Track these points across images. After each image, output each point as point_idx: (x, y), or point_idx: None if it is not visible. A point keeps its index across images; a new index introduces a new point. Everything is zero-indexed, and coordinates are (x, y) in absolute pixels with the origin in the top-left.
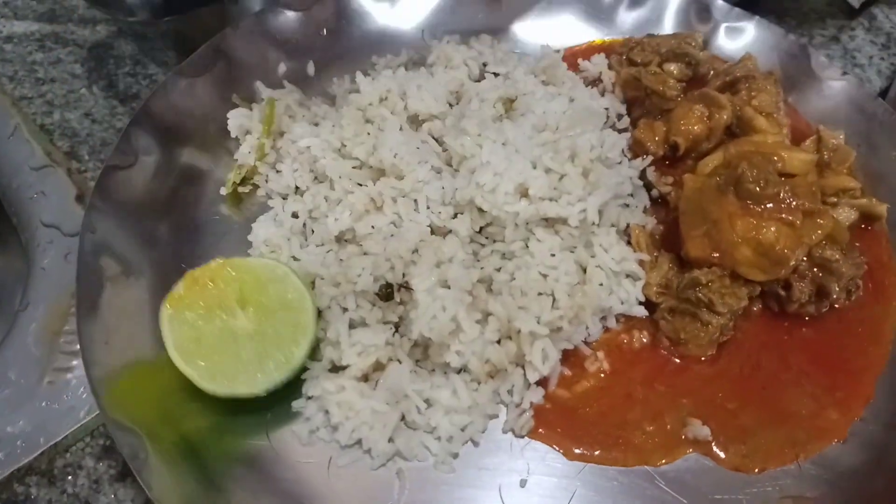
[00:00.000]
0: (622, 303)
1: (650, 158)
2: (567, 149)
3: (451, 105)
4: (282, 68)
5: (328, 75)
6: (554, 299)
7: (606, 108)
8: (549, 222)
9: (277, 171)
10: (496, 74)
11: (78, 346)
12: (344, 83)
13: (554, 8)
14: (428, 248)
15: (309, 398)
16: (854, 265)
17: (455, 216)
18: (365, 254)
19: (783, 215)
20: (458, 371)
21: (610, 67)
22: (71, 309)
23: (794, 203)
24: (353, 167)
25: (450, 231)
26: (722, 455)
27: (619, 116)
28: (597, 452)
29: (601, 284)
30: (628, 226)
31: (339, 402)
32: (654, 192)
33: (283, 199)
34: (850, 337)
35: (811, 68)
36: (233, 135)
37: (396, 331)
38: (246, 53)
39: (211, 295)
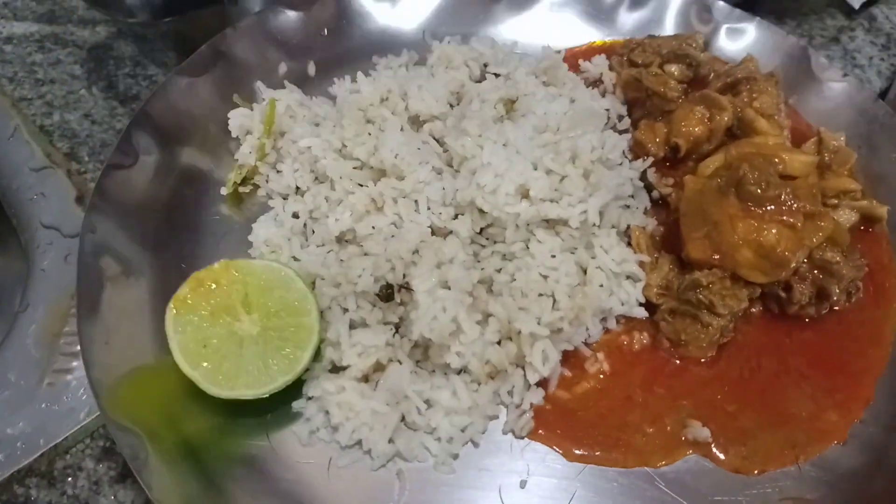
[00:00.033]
0: (622, 304)
1: (651, 160)
2: (568, 150)
3: (451, 106)
4: (282, 68)
5: (329, 75)
6: (554, 300)
7: (607, 110)
8: (550, 223)
9: (278, 172)
10: (497, 75)
11: (78, 348)
12: (345, 83)
13: (555, 8)
14: (428, 248)
15: (309, 399)
16: (854, 267)
17: (456, 217)
18: (365, 254)
19: (784, 217)
20: (459, 372)
21: (611, 68)
22: (70, 310)
23: (795, 205)
24: (354, 167)
25: (450, 232)
26: (722, 457)
27: (620, 117)
28: (597, 453)
29: (601, 286)
30: (629, 227)
31: (339, 402)
32: (655, 194)
33: (284, 199)
34: (850, 339)
35: (812, 70)
36: (233, 135)
37: (397, 331)
38: (246, 53)
39: (216, 297)
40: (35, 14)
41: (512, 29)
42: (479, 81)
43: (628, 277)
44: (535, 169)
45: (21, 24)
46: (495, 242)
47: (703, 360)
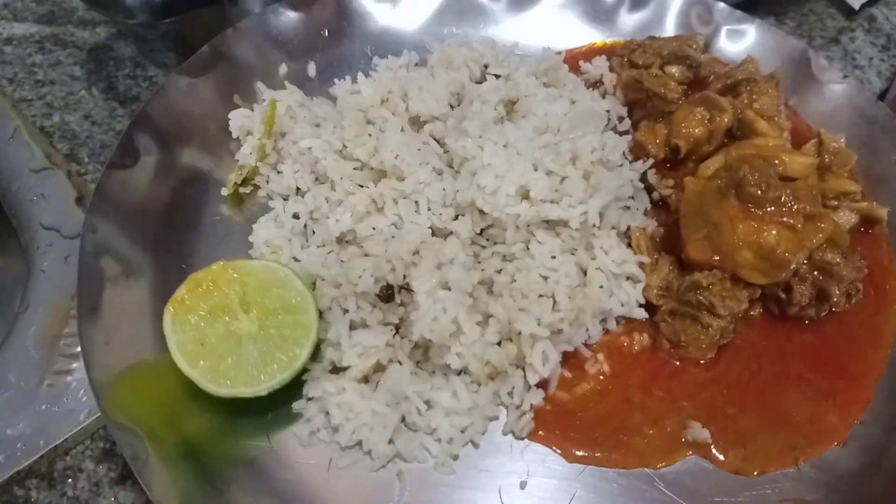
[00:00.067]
0: (622, 305)
1: (651, 161)
2: (568, 151)
3: (452, 107)
4: (283, 69)
5: (329, 76)
6: (554, 301)
7: (607, 111)
8: (550, 224)
9: (278, 172)
10: (497, 76)
11: (78, 349)
12: (345, 84)
13: (555, 9)
14: (429, 249)
15: (309, 399)
16: (854, 269)
17: (456, 218)
18: (366, 255)
19: (784, 219)
20: (459, 373)
21: (611, 69)
22: (70, 311)
23: (795, 207)
24: (355, 168)
25: (451, 233)
26: (721, 458)
27: (620, 119)
28: (597, 454)
29: (601, 287)
30: (629, 228)
31: (339, 403)
32: (655, 195)
33: (284, 199)
34: (850, 340)
35: (812, 71)
36: (234, 135)
37: (397, 332)
38: (247, 54)
39: (213, 297)
40: (35, 15)
41: (512, 30)
42: (480, 82)
43: (628, 278)
44: (536, 170)
45: (21, 25)
46: (495, 243)
47: (702, 361)
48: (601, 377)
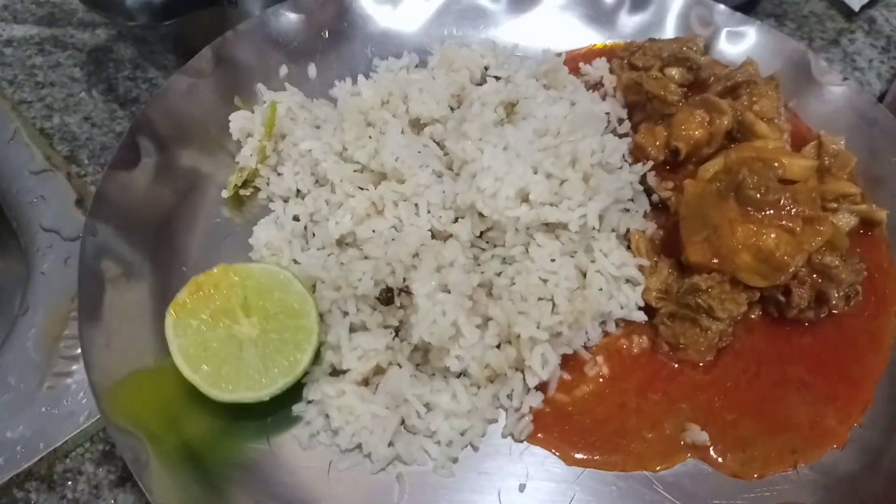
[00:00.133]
0: (622, 308)
1: (651, 163)
2: (568, 154)
3: (452, 109)
4: (283, 71)
5: (329, 78)
6: (554, 304)
7: (607, 113)
8: (550, 227)
9: (279, 174)
10: (497, 78)
11: (78, 351)
12: (345, 86)
13: (556, 11)
14: (428, 252)
15: (309, 402)
16: (853, 271)
17: (456, 220)
18: (366, 258)
19: (783, 222)
20: (458, 375)
21: (611, 71)
22: (70, 313)
23: (795, 210)
24: (355, 171)
25: (450, 235)
26: (720, 461)
27: (620, 121)
28: (596, 457)
29: (601, 289)
30: (628, 231)
31: (339, 406)
32: (655, 197)
33: (285, 202)
34: (849, 342)
35: (812, 73)
36: (234, 137)
37: (396, 335)
38: (247, 56)
39: (215, 301)
40: (35, 17)
41: (512, 31)
42: (480, 84)
43: (628, 281)
44: (535, 173)
45: (21, 27)
46: (495, 246)
47: (701, 364)
48: (600, 380)
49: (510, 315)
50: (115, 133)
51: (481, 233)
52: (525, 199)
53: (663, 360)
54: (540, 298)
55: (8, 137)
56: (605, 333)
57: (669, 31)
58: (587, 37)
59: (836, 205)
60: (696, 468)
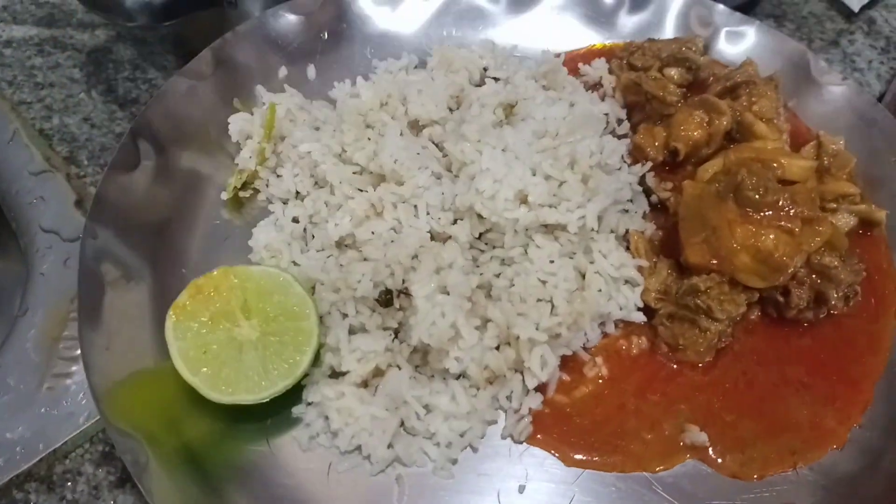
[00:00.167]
0: (621, 309)
1: (650, 164)
2: (567, 155)
3: (451, 110)
4: (282, 72)
5: (329, 79)
6: (553, 305)
7: (606, 114)
8: (549, 229)
9: (278, 176)
10: (496, 79)
11: (77, 352)
12: (344, 87)
13: (555, 12)
14: (427, 253)
15: (309, 404)
16: (853, 272)
17: (455, 222)
18: (365, 259)
19: (782, 223)
20: (458, 377)
21: (610, 72)
22: (70, 314)
23: (794, 210)
24: (354, 172)
25: (449, 237)
26: (719, 462)
27: (619, 121)
28: (595, 458)
29: (600, 290)
30: (627, 232)
31: (338, 408)
32: (654, 198)
33: (284, 203)
34: (848, 343)
35: (811, 74)
36: (234, 139)
37: (396, 337)
38: (246, 57)
39: (215, 304)
40: (34, 17)
41: (511, 32)
42: (479, 85)
43: (627, 282)
44: (534, 174)
45: (20, 28)
46: (494, 248)
47: (700, 364)
48: (599, 381)
49: (509, 316)
50: (115, 134)
51: (480, 234)
52: (524, 200)
53: (662, 360)
54: (539, 300)
55: (7, 138)
56: (605, 334)
57: (669, 31)
58: (586, 37)
59: (835, 205)
60: (696, 469)
